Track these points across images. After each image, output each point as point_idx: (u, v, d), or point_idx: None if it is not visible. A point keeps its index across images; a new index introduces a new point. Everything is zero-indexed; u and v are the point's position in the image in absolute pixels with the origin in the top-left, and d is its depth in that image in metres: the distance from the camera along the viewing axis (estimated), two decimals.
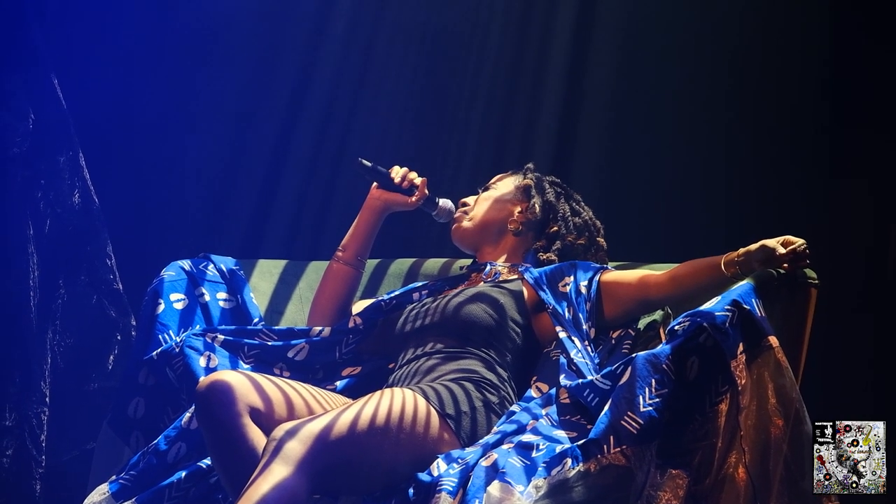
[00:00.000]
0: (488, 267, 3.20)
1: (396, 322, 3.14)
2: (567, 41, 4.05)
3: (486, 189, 3.32)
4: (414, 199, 3.23)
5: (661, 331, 2.94)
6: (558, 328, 2.92)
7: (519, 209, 3.26)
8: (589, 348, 2.90)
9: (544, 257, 3.20)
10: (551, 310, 2.96)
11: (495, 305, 3.00)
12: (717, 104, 3.85)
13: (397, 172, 3.23)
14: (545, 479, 2.43)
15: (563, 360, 2.82)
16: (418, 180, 3.23)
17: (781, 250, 2.68)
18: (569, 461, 2.43)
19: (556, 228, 3.23)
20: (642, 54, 3.98)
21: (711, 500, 2.44)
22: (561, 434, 2.63)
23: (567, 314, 2.96)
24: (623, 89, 4.00)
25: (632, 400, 2.45)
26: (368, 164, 3.22)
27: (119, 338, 3.62)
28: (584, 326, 2.95)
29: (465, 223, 3.27)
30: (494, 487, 2.42)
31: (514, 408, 2.80)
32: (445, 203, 3.29)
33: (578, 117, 4.03)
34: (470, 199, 3.31)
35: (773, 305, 2.59)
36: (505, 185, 3.31)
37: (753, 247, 2.74)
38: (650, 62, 3.96)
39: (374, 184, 3.26)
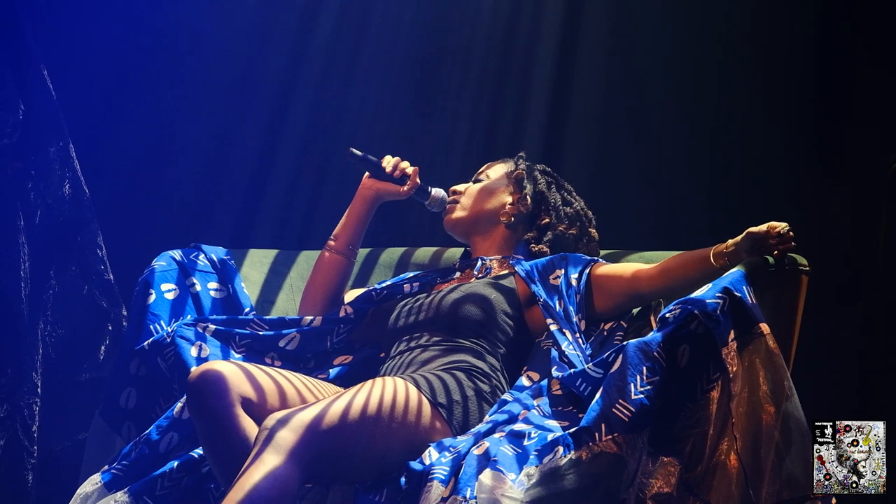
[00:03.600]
0: (479, 262, 3.20)
1: (388, 315, 3.14)
2: (557, 30, 4.04)
3: (478, 178, 3.31)
4: (406, 188, 3.23)
5: (652, 318, 2.95)
6: (549, 321, 2.92)
7: (510, 200, 3.26)
8: (580, 340, 2.90)
9: (536, 248, 3.20)
10: (542, 303, 2.96)
11: (487, 302, 3.00)
12: (706, 95, 3.85)
13: (388, 162, 3.23)
14: (537, 466, 2.43)
15: (554, 352, 2.83)
16: (410, 169, 3.23)
17: (763, 230, 2.69)
18: (560, 449, 2.43)
19: (547, 220, 3.23)
20: (632, 46, 3.98)
21: (703, 487, 2.44)
22: (553, 424, 2.63)
23: (558, 307, 2.96)
24: (613, 80, 3.99)
25: (623, 388, 2.45)
26: (359, 153, 3.22)
27: (110, 328, 3.61)
28: (575, 319, 2.95)
29: (458, 213, 3.27)
30: (486, 475, 2.42)
31: (506, 396, 2.80)
32: (438, 192, 3.28)
33: (568, 107, 4.03)
34: (461, 188, 3.31)
35: (765, 293, 2.60)
36: (497, 174, 3.30)
37: (740, 237, 2.75)
38: (639, 55, 3.96)
39: (366, 173, 3.26)
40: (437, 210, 3.30)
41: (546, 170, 3.33)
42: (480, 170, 3.34)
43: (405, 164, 3.23)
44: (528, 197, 3.24)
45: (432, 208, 3.30)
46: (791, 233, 2.69)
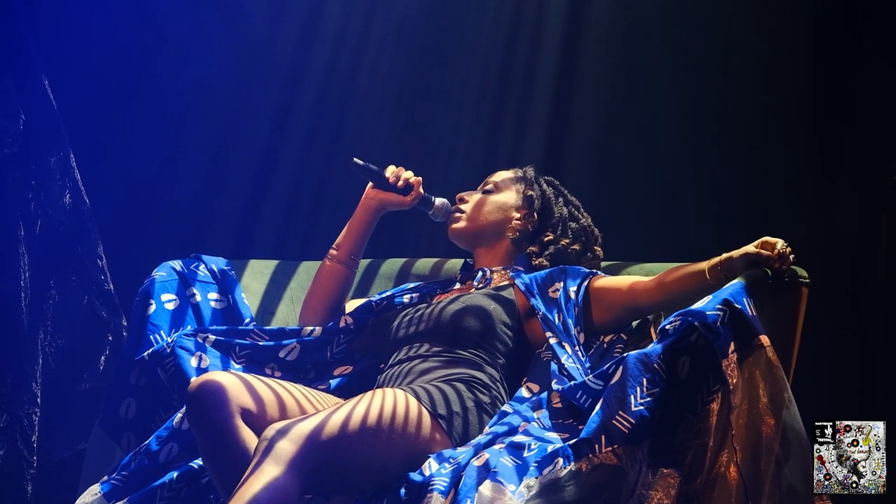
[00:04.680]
0: (480, 273, 3.20)
1: (388, 325, 3.14)
2: (559, 37, 4.04)
3: (487, 189, 3.30)
4: (409, 199, 3.22)
5: (653, 330, 2.94)
6: (548, 334, 2.92)
7: (517, 216, 3.24)
8: (579, 353, 2.90)
9: (536, 262, 3.19)
10: (541, 316, 2.96)
11: (486, 312, 3.00)
12: (709, 103, 3.85)
13: (392, 172, 3.22)
14: (537, 478, 2.43)
15: (554, 366, 2.82)
16: (414, 179, 3.22)
17: (765, 253, 2.68)
18: (560, 460, 2.43)
19: (551, 237, 3.22)
20: (633, 53, 3.98)
21: (703, 499, 2.44)
22: (553, 436, 2.63)
23: (557, 320, 2.95)
24: (615, 87, 3.99)
25: (623, 399, 2.45)
26: (362, 163, 3.20)
27: (110, 338, 3.61)
28: (574, 331, 2.95)
29: (462, 224, 3.25)
30: (486, 487, 2.42)
31: (506, 408, 2.80)
32: (441, 202, 3.27)
33: (570, 115, 4.03)
34: (467, 195, 3.30)
35: (765, 304, 2.59)
36: (505, 186, 3.28)
37: (736, 254, 2.72)
38: (641, 62, 3.96)
39: (370, 183, 3.25)
40: (441, 220, 3.29)
41: (554, 183, 3.32)
42: (488, 178, 3.33)
43: (409, 175, 3.22)
44: (535, 213, 3.23)
45: (436, 218, 3.28)
46: (789, 248, 2.68)
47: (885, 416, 2.57)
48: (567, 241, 3.21)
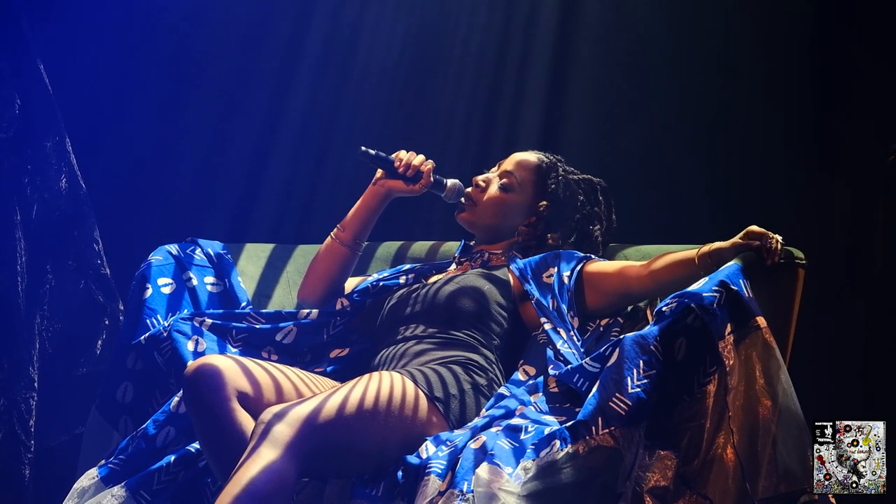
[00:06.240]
0: (477, 255, 3.19)
1: (384, 306, 3.13)
2: (555, 20, 4.03)
3: (504, 185, 3.21)
4: (419, 186, 3.17)
5: (649, 312, 2.94)
6: (543, 319, 2.90)
7: (526, 223, 3.20)
8: (574, 337, 2.89)
9: (531, 253, 3.18)
10: (535, 301, 2.94)
11: (481, 292, 2.99)
12: (705, 89, 3.84)
13: (401, 160, 3.16)
14: (534, 460, 2.43)
15: (549, 351, 2.81)
16: (424, 166, 3.16)
17: (756, 245, 2.67)
18: (557, 443, 2.43)
19: (552, 243, 3.18)
20: (630, 39, 3.96)
21: (700, 480, 2.44)
22: (549, 418, 2.63)
23: (551, 306, 2.94)
24: (611, 73, 3.98)
25: (620, 381, 2.45)
26: (371, 152, 3.12)
27: (107, 323, 3.61)
28: (567, 316, 2.94)
29: (473, 217, 3.20)
30: (483, 469, 2.42)
31: (503, 391, 2.80)
32: (454, 184, 3.20)
33: (567, 99, 4.01)
34: (483, 181, 3.23)
35: (761, 286, 2.59)
36: (524, 186, 3.21)
37: (725, 246, 2.72)
38: (637, 48, 3.94)
39: (379, 170, 3.21)
40: (453, 201, 3.22)
41: (576, 179, 3.24)
42: (510, 167, 3.23)
43: (418, 161, 3.16)
44: (546, 222, 3.19)
45: (448, 200, 3.21)
46: (775, 239, 2.67)
47: (885, 416, 2.57)
48: (568, 246, 3.16)
